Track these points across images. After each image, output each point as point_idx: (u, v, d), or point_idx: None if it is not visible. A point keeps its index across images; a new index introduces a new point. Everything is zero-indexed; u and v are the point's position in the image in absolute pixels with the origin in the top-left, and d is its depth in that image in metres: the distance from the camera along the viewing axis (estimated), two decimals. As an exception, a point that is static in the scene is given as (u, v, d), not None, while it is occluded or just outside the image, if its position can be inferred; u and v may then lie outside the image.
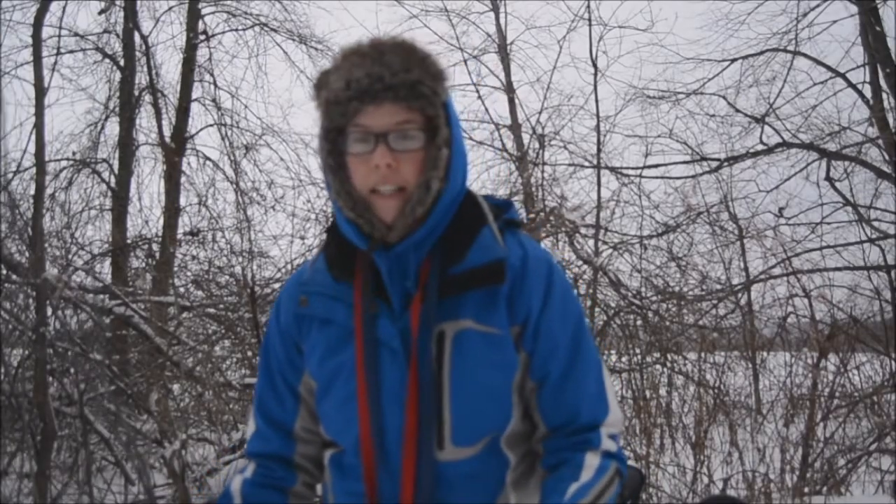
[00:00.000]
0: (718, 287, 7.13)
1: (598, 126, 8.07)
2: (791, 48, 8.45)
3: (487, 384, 1.09)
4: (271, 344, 1.24)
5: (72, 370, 4.66)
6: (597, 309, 6.29)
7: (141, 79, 8.63)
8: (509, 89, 8.53)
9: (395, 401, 1.09)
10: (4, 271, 4.76)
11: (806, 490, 4.76)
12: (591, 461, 1.10)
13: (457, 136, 1.11)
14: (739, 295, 7.09)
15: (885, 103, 7.65)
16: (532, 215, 5.98)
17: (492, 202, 1.20)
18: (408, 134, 1.06)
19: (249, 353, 5.13)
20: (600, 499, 1.08)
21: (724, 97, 8.74)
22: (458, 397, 1.08)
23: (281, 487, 1.23)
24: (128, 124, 8.43)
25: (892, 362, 5.74)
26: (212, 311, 5.88)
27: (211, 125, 8.99)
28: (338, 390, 1.14)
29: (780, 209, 8.03)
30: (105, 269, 7.37)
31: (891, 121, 7.63)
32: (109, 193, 8.40)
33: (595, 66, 8.34)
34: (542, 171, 6.83)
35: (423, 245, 1.10)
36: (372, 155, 1.05)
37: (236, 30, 9.13)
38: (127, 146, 8.40)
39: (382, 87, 1.04)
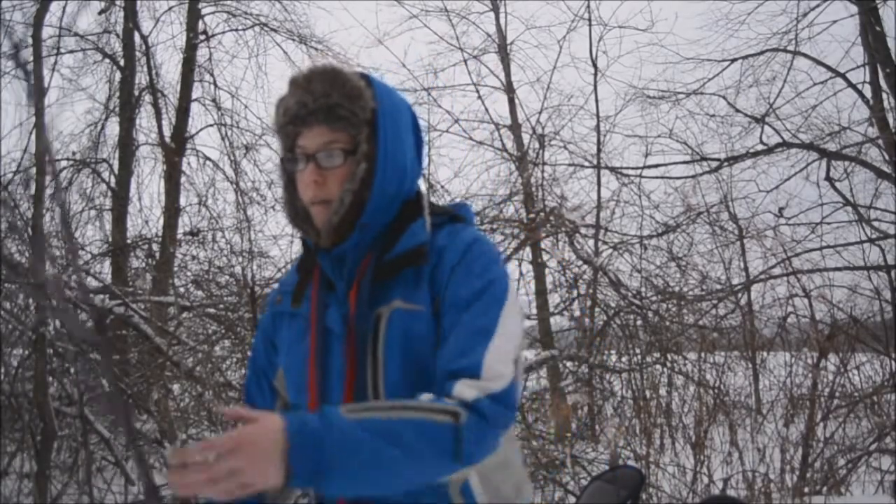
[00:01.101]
0: (718, 287, 7.14)
1: (598, 126, 8.08)
2: (791, 48, 8.45)
3: (413, 356, 1.16)
4: (256, 341, 1.38)
5: (72, 370, 4.67)
6: (597, 309, 6.29)
7: (141, 79, 8.64)
8: (509, 89, 8.51)
9: (339, 382, 1.19)
10: (4, 271, 4.77)
11: (806, 490, 4.76)
12: (427, 396, 1.09)
13: (385, 148, 1.21)
14: (739, 295, 7.10)
15: (885, 103, 7.65)
16: (532, 215, 5.98)
17: (448, 206, 1.31)
18: (332, 153, 1.20)
19: (249, 353, 5.13)
20: (408, 411, 1.05)
21: (724, 97, 8.75)
22: (389, 370, 1.16)
23: None
24: (128, 124, 8.43)
25: (892, 362, 5.74)
26: (212, 311, 5.89)
27: (211, 125, 8.98)
28: (295, 378, 1.25)
29: (780, 209, 8.03)
30: (105, 269, 7.38)
31: (891, 121, 7.62)
32: (109, 193, 8.41)
33: (595, 66, 8.35)
34: (542, 171, 6.83)
35: (359, 246, 1.22)
36: (304, 173, 1.21)
37: (236, 30, 9.13)
38: (127, 146, 8.40)
39: (307, 113, 1.20)
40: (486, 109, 8.34)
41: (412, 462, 1.01)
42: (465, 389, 1.08)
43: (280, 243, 8.69)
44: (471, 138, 8.18)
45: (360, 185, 1.19)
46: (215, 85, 8.99)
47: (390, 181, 1.21)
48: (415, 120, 1.29)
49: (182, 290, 6.58)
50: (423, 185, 1.35)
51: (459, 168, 11.04)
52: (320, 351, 1.21)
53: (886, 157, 7.61)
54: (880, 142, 7.66)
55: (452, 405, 1.06)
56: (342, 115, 1.19)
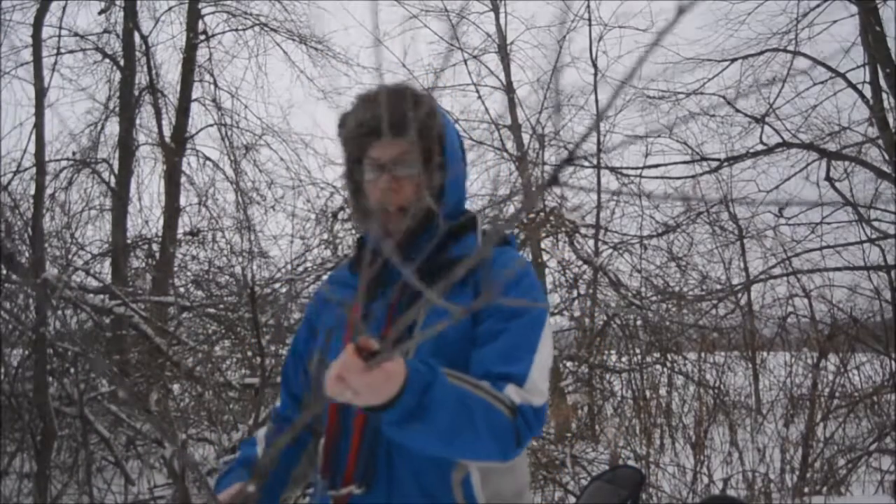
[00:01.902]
0: (718, 287, 7.14)
1: (598, 126, 8.06)
2: (791, 48, 8.45)
3: (443, 351, 1.22)
4: (300, 328, 1.49)
5: (72, 370, 4.66)
6: (597, 309, 6.29)
7: (141, 79, 8.63)
8: (509, 89, 8.52)
9: None
10: (4, 271, 4.76)
11: (806, 490, 4.76)
12: (486, 384, 1.17)
13: (451, 162, 1.32)
14: (739, 295, 7.10)
15: (885, 103, 7.64)
16: (532, 215, 5.98)
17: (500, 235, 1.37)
18: (405, 163, 1.29)
19: (249, 353, 5.12)
20: (485, 393, 1.13)
21: (723, 97, 8.74)
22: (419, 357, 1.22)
23: (296, 438, 1.40)
24: (128, 124, 8.43)
25: (892, 362, 5.74)
26: (212, 311, 5.88)
27: (211, 125, 8.99)
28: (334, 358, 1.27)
29: (780, 209, 8.03)
30: (105, 269, 7.38)
31: (891, 121, 7.62)
32: (109, 193, 8.41)
33: (595, 66, 8.35)
34: (543, 171, 6.82)
35: (425, 244, 1.31)
36: (378, 181, 1.30)
37: (236, 30, 9.14)
38: (127, 146, 8.40)
39: (383, 124, 1.29)
40: (487, 109, 8.35)
41: (472, 437, 1.11)
42: (512, 394, 1.17)
43: (280, 243, 8.71)
44: (471, 138, 8.19)
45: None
46: (215, 85, 9.00)
47: (455, 190, 1.34)
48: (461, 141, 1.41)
49: (182, 290, 6.58)
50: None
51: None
52: (356, 335, 1.28)
53: (886, 157, 7.61)
54: (880, 142, 7.66)
55: (510, 400, 1.16)
56: (417, 128, 1.29)
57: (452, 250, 1.31)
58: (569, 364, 6.18)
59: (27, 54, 6.92)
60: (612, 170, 8.04)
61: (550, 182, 0.50)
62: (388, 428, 1.08)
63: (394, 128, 1.28)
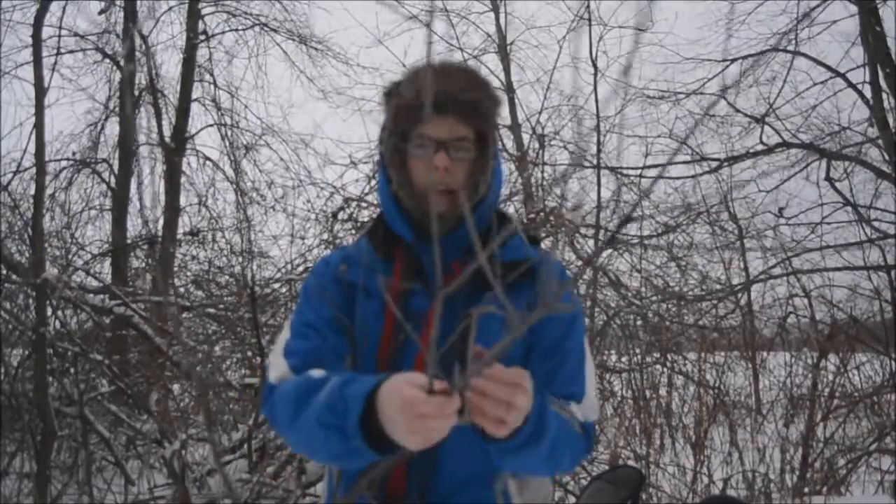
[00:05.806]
0: (718, 287, 7.14)
1: (598, 126, 8.07)
2: (791, 48, 8.45)
3: (504, 357, 1.19)
4: (311, 299, 1.29)
5: (72, 370, 4.67)
6: (597, 309, 6.28)
7: (141, 79, 8.63)
8: (509, 89, 8.52)
9: (411, 362, 1.21)
10: (4, 271, 4.77)
11: (806, 490, 4.76)
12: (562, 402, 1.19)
13: (497, 151, 1.30)
14: (739, 295, 7.09)
15: (885, 103, 7.64)
16: (532, 215, 5.98)
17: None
18: (463, 146, 1.23)
19: (249, 353, 5.12)
20: (559, 419, 1.12)
21: (724, 97, 8.73)
22: None
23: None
24: (128, 124, 8.43)
25: (892, 362, 5.74)
26: (212, 311, 5.88)
27: (211, 125, 9.00)
28: (366, 355, 1.25)
29: (780, 209, 8.03)
30: (105, 269, 7.38)
31: (891, 121, 7.61)
32: (109, 193, 8.41)
33: (595, 66, 8.34)
34: (542, 171, 6.82)
35: (464, 240, 1.23)
36: (433, 159, 1.23)
37: (236, 30, 9.14)
38: (127, 146, 8.40)
39: (449, 102, 1.21)
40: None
41: (563, 457, 1.14)
42: (576, 412, 1.20)
43: (280, 243, 8.73)
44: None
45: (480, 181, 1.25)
46: (215, 85, 9.01)
47: (500, 181, 1.31)
48: None
49: (182, 290, 6.59)
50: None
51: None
52: (396, 334, 1.23)
53: (886, 157, 7.60)
54: (880, 142, 7.65)
55: (579, 424, 1.19)
56: (482, 112, 1.24)
57: (504, 252, 1.24)
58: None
59: (27, 54, 6.93)
60: (612, 170, 8.04)
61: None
62: (500, 455, 1.06)
63: (458, 105, 1.21)
